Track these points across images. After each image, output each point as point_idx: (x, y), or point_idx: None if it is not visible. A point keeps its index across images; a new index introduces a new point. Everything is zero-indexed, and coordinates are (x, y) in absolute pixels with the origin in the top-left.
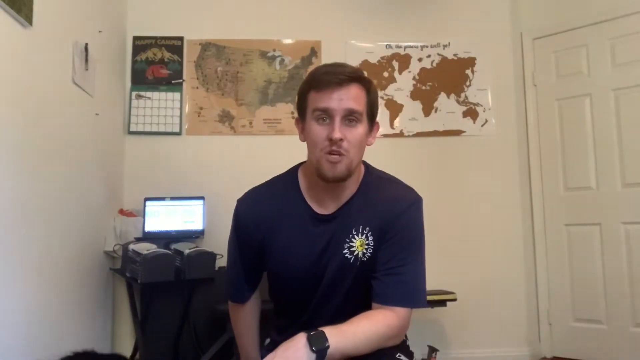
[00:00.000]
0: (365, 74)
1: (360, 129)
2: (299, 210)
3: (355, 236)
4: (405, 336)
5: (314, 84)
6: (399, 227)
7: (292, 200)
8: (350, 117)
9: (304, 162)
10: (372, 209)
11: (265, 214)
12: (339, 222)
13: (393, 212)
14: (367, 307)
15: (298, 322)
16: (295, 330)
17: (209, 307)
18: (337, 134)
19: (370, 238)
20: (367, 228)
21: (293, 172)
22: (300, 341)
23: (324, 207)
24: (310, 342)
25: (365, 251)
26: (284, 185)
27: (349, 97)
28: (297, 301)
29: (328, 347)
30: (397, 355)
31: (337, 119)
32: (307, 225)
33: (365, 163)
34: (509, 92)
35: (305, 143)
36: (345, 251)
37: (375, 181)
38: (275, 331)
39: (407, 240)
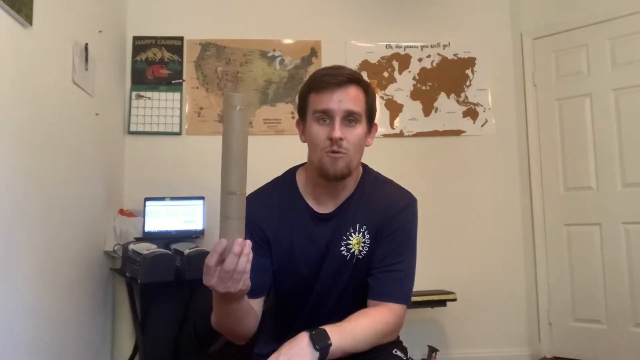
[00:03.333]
0: (365, 75)
1: (360, 129)
2: (299, 209)
3: (353, 234)
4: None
5: (314, 86)
6: (396, 226)
7: (292, 201)
8: (349, 117)
9: (301, 164)
10: (369, 208)
11: (269, 215)
12: (338, 221)
13: (390, 212)
14: (360, 307)
15: (294, 325)
16: (292, 335)
17: (209, 307)
18: (337, 134)
19: (367, 236)
20: (365, 227)
21: (290, 173)
22: (303, 340)
23: (323, 207)
24: (313, 340)
25: (361, 249)
26: (283, 186)
27: (349, 99)
28: (294, 301)
29: (330, 344)
30: (393, 351)
31: (337, 120)
32: (307, 224)
33: (363, 164)
34: (509, 92)
35: (305, 144)
36: (342, 248)
37: (373, 182)
38: (265, 341)
39: (402, 240)
